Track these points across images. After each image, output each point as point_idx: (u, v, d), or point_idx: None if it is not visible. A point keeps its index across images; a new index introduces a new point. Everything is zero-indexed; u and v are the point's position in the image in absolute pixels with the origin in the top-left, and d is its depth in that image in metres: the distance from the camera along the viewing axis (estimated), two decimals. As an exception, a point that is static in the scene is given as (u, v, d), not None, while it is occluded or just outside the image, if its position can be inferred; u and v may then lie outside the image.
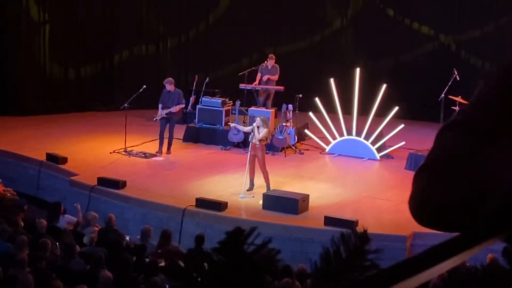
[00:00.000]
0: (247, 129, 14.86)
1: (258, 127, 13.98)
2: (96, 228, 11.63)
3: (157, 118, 16.36)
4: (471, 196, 1.02)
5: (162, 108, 16.29)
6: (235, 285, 0.91)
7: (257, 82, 17.85)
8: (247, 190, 13.89)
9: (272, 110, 17.36)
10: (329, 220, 12.31)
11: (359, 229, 1.12)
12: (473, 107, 1.10)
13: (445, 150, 1.08)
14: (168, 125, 16.21)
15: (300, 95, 16.92)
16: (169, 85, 16.38)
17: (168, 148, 16.32)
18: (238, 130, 16.55)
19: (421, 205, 1.07)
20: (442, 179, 1.05)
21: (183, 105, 16.62)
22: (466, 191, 1.03)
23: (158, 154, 16.18)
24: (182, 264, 1.04)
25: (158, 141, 16.49)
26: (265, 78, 17.68)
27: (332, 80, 16.86)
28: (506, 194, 1.00)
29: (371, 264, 1.03)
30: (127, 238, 11.48)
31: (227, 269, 0.92)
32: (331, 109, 16.86)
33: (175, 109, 16.21)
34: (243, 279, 0.93)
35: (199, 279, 0.93)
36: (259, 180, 14.10)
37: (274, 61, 17.84)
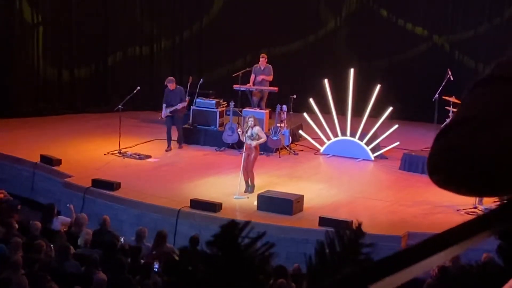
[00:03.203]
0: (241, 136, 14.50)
1: (251, 127, 14.00)
2: (89, 230, 11.61)
3: (162, 117, 16.69)
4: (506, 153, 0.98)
5: (166, 107, 16.54)
6: (229, 279, 0.91)
7: (251, 83, 17.85)
8: (247, 192, 13.90)
9: (267, 111, 17.36)
10: (323, 221, 12.32)
11: (354, 223, 1.11)
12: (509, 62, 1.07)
13: (481, 106, 1.03)
14: (174, 122, 16.65)
15: (294, 96, 16.93)
16: (171, 84, 16.73)
17: (180, 144, 16.78)
18: (233, 131, 16.56)
19: (449, 158, 1.01)
20: (478, 134, 1.00)
21: (186, 102, 16.98)
22: (503, 147, 0.98)
23: (167, 150, 16.56)
24: (177, 258, 1.03)
25: (152, 141, 16.72)
26: (259, 78, 17.68)
27: (326, 81, 16.88)
28: None
29: (365, 258, 1.03)
30: (122, 239, 11.46)
31: (221, 263, 0.92)
32: (325, 110, 16.87)
33: (179, 106, 16.56)
34: (236, 272, 0.93)
35: (194, 274, 0.93)
36: (258, 181, 14.11)
37: (266, 60, 17.83)
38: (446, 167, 1.03)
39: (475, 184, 1.02)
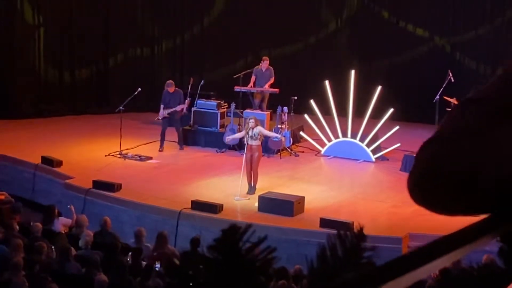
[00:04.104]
0: (241, 134, 14.90)
1: (252, 128, 14.03)
2: (90, 232, 11.60)
3: (159, 117, 16.74)
4: (475, 168, 1.00)
5: (164, 108, 16.62)
6: (229, 283, 0.91)
7: (251, 84, 17.85)
8: (249, 194, 13.90)
9: (268, 113, 17.35)
10: (324, 222, 12.31)
11: (356, 227, 1.11)
12: (494, 84, 1.09)
13: (458, 123, 1.06)
14: (172, 124, 16.76)
15: (295, 97, 16.92)
16: (170, 87, 16.89)
17: (181, 145, 16.88)
18: (234, 133, 16.58)
19: (423, 175, 1.04)
20: (452, 150, 1.03)
21: (186, 105, 17.05)
22: (471, 162, 1.01)
23: (160, 151, 16.62)
24: (177, 262, 1.03)
25: (153, 143, 16.85)
26: (266, 87, 17.69)
27: (327, 82, 16.87)
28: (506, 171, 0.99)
29: (367, 262, 1.03)
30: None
31: (222, 267, 0.92)
32: (326, 111, 16.86)
33: (179, 108, 16.72)
34: (237, 276, 0.93)
35: (194, 277, 0.93)
36: (259, 182, 14.12)
37: (268, 63, 17.85)
38: (411, 182, 1.07)
39: (430, 201, 1.05)
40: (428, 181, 1.04)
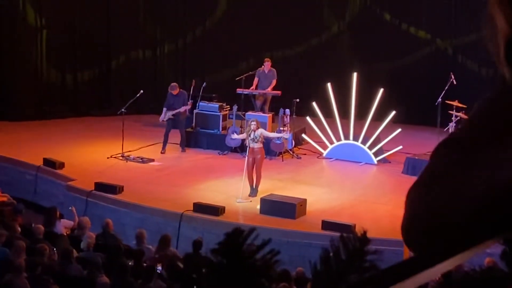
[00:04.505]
0: (243, 136, 14.93)
1: (254, 131, 14.04)
2: (92, 234, 11.59)
3: (163, 119, 16.68)
4: (457, 201, 1.01)
5: (168, 110, 16.63)
6: (232, 286, 0.91)
7: (254, 86, 17.86)
8: (251, 196, 13.90)
9: (270, 115, 17.35)
10: (326, 224, 12.32)
11: (358, 231, 1.12)
12: (468, 123, 1.10)
13: (437, 166, 1.07)
14: (176, 126, 16.79)
15: (297, 100, 16.92)
16: (174, 90, 16.89)
17: (183, 147, 16.87)
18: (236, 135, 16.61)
19: (411, 221, 1.05)
20: (432, 192, 1.03)
21: (189, 106, 17.03)
22: (452, 197, 1.01)
23: (162, 153, 16.62)
24: (180, 265, 1.03)
25: (156, 145, 16.86)
26: (268, 90, 17.71)
27: (329, 85, 16.88)
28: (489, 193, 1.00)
29: (370, 266, 1.03)
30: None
31: (226, 270, 0.92)
32: (328, 114, 16.87)
33: (183, 109, 16.75)
34: (240, 279, 0.93)
35: (197, 280, 0.93)
36: (261, 184, 14.11)
37: (270, 64, 17.87)
38: (402, 231, 1.09)
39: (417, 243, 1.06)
40: (415, 229, 1.06)
